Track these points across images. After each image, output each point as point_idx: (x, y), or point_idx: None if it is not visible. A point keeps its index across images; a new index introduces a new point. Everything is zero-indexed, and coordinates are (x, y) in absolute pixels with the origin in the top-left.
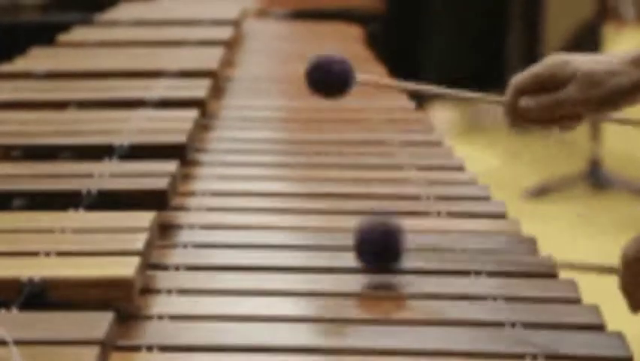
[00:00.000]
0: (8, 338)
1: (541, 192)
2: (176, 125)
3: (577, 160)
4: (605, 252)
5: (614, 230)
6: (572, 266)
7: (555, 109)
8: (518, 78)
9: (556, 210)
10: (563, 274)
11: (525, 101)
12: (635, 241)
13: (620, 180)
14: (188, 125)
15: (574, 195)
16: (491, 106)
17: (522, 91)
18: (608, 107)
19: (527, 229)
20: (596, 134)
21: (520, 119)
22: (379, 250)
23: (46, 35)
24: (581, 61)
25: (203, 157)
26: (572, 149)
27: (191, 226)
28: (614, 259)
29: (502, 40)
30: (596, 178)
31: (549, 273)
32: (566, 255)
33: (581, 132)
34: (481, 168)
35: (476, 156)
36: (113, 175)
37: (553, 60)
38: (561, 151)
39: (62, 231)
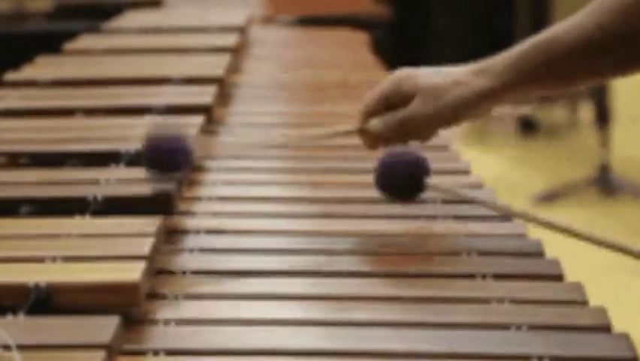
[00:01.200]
0: (11, 341)
1: (550, 197)
2: (182, 131)
3: (586, 165)
4: (614, 257)
5: (623, 235)
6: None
7: (403, 126)
8: (365, 101)
9: (565, 216)
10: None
11: (373, 124)
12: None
13: (629, 185)
14: (194, 132)
15: (583, 200)
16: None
17: (370, 113)
18: (453, 118)
19: (536, 234)
20: (605, 140)
21: (376, 141)
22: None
23: (52, 43)
24: (423, 74)
25: (209, 163)
26: (580, 154)
27: (198, 231)
28: (622, 263)
29: (508, 47)
30: (605, 183)
31: (555, 275)
32: (572, 257)
33: (590, 138)
34: (490, 173)
35: (485, 161)
36: (120, 181)
37: (397, 76)
38: (570, 156)
39: (68, 236)
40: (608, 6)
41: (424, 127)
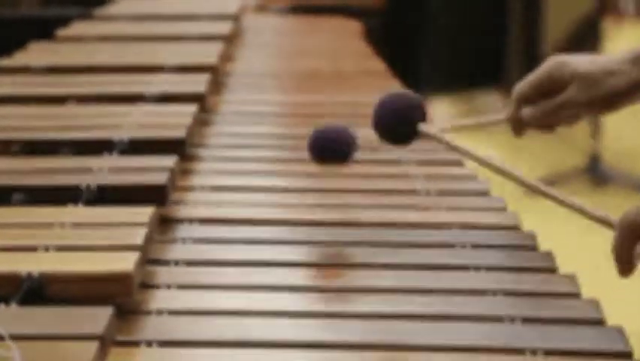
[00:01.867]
0: (4, 333)
1: None
2: (175, 120)
3: (577, 155)
4: (605, 246)
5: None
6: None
7: (557, 114)
8: (518, 89)
9: (556, 206)
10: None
11: (528, 112)
12: (637, 208)
13: (619, 175)
14: (188, 120)
15: (574, 190)
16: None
17: (524, 101)
18: (609, 106)
19: (527, 223)
20: (595, 130)
21: (524, 129)
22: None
23: (45, 30)
24: (579, 61)
25: (202, 152)
26: (571, 144)
27: (191, 221)
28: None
29: (502, 36)
30: (596, 173)
31: (549, 268)
32: (565, 250)
33: (580, 128)
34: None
35: (476, 151)
36: (113, 170)
37: (551, 63)
38: (561, 146)
39: (61, 226)
40: None
41: (578, 114)
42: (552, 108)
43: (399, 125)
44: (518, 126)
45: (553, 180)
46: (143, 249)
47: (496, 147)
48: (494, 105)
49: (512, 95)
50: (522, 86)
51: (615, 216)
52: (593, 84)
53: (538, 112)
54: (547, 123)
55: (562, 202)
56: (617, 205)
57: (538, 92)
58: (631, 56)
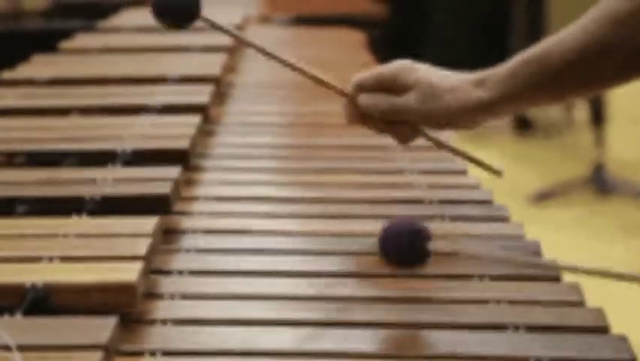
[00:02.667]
0: (11, 342)
1: (544, 196)
2: (178, 130)
3: (581, 164)
4: (609, 256)
5: (618, 234)
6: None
7: (391, 112)
8: (361, 74)
9: (560, 215)
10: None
11: (364, 97)
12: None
13: (623, 184)
14: (191, 131)
15: (577, 199)
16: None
17: (362, 87)
18: (445, 123)
19: (531, 233)
20: (600, 139)
21: (357, 116)
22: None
23: (48, 42)
24: (426, 71)
25: (205, 163)
26: (575, 153)
27: (194, 231)
28: (617, 262)
29: (504, 46)
30: (600, 182)
31: (553, 276)
32: (569, 259)
33: (585, 137)
34: (485, 173)
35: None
36: (116, 181)
37: (400, 64)
38: (565, 155)
39: (65, 236)
40: (598, 17)
41: (412, 122)
42: (387, 104)
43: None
44: (351, 109)
45: (557, 190)
46: (146, 259)
47: (500, 157)
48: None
49: (353, 78)
50: (365, 74)
51: (618, 223)
52: (431, 97)
53: (372, 101)
54: (379, 118)
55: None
56: (620, 215)
57: (379, 86)
58: (476, 78)
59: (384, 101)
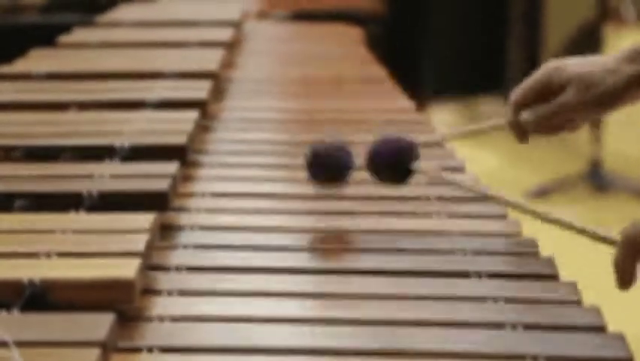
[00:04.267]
0: (9, 339)
1: (542, 193)
2: (176, 126)
3: (578, 161)
4: (607, 253)
5: (616, 231)
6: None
7: (555, 117)
8: (516, 93)
9: (558, 212)
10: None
11: (525, 115)
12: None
13: (620, 181)
14: (189, 127)
15: (575, 196)
16: (491, 107)
17: (521, 105)
18: (607, 106)
19: (528, 230)
20: (596, 136)
21: (526, 133)
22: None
23: (46, 36)
24: (575, 64)
25: (203, 158)
26: (572, 150)
27: (192, 227)
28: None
29: (502, 41)
30: (597, 179)
31: (550, 274)
32: (566, 256)
33: (581, 133)
34: (482, 169)
35: (477, 157)
36: (114, 176)
37: (548, 67)
38: (562, 152)
39: (63, 232)
40: None
41: (577, 116)
42: (550, 111)
43: (395, 171)
44: (519, 131)
45: (555, 187)
46: (144, 255)
47: (498, 154)
48: (495, 111)
49: (510, 100)
50: (519, 90)
51: (615, 220)
52: (591, 84)
53: (536, 115)
54: (546, 127)
55: (561, 223)
56: (618, 211)
57: (536, 96)
58: (626, 55)
59: (546, 110)
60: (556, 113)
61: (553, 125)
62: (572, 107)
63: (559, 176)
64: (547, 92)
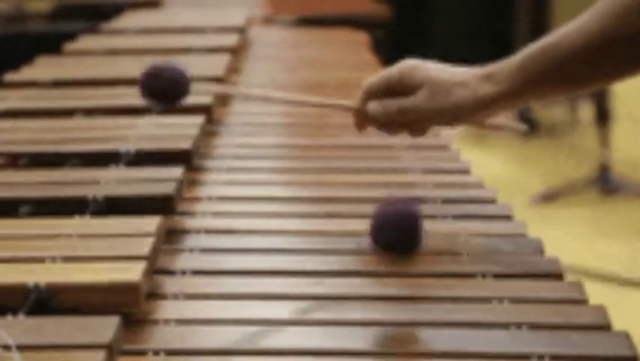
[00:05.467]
0: (11, 341)
1: (550, 196)
2: (181, 131)
3: (586, 165)
4: (614, 256)
5: (624, 234)
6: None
7: (400, 116)
8: (369, 82)
9: (566, 215)
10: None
11: (372, 105)
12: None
13: (629, 184)
14: (194, 132)
15: (583, 199)
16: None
17: (371, 95)
18: (455, 119)
19: (536, 233)
20: (605, 139)
21: (367, 123)
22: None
23: (52, 44)
24: (432, 69)
25: (208, 163)
26: (581, 153)
27: (197, 231)
28: (622, 263)
29: (508, 47)
30: (606, 183)
31: (555, 274)
32: (575, 260)
33: (590, 137)
34: (490, 172)
35: (485, 161)
36: (120, 181)
37: (406, 65)
38: (570, 156)
39: (69, 236)
40: (609, 9)
41: (423, 121)
42: (397, 108)
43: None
44: (362, 119)
45: (562, 191)
46: (150, 259)
47: (505, 157)
48: (502, 115)
49: (362, 86)
50: (373, 79)
51: (623, 223)
52: (441, 92)
53: (382, 108)
54: (390, 123)
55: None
56: (626, 215)
57: (387, 90)
58: (483, 73)
59: (393, 105)
60: (402, 112)
61: (397, 123)
62: (417, 111)
63: (567, 180)
64: (399, 89)
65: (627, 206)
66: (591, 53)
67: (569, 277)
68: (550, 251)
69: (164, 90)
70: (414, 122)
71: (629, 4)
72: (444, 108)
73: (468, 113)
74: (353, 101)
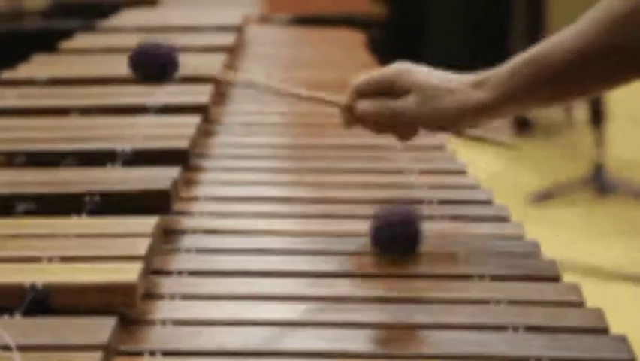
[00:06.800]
0: (11, 343)
1: (544, 196)
2: (178, 131)
3: (580, 165)
4: (609, 256)
5: (618, 234)
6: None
7: (389, 118)
8: (360, 80)
9: (560, 215)
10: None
11: (363, 104)
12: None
13: (623, 184)
14: (191, 131)
15: (577, 199)
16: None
17: (361, 92)
18: (445, 125)
19: (531, 233)
20: (599, 139)
21: (355, 122)
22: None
23: (48, 42)
24: (423, 73)
25: (205, 163)
26: (575, 153)
27: (194, 231)
28: (617, 262)
29: (505, 45)
30: (600, 183)
31: (552, 276)
32: (569, 259)
33: (584, 137)
34: (485, 172)
35: (479, 160)
36: (116, 181)
37: (398, 67)
38: (565, 155)
39: (65, 236)
40: (605, 16)
41: (412, 124)
42: (386, 110)
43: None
44: (349, 117)
45: (557, 191)
46: (146, 259)
47: (500, 157)
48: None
49: (352, 84)
50: (364, 78)
51: (618, 223)
52: (432, 97)
53: (371, 107)
54: (377, 124)
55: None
56: (621, 214)
57: (377, 90)
58: (475, 80)
59: (383, 106)
60: (392, 114)
61: (386, 124)
62: (406, 114)
63: (561, 179)
64: (389, 91)
65: (621, 206)
66: (585, 61)
67: (564, 275)
68: (545, 250)
69: (153, 61)
70: (402, 125)
71: (625, 12)
72: (434, 114)
73: (457, 119)
74: (342, 98)
